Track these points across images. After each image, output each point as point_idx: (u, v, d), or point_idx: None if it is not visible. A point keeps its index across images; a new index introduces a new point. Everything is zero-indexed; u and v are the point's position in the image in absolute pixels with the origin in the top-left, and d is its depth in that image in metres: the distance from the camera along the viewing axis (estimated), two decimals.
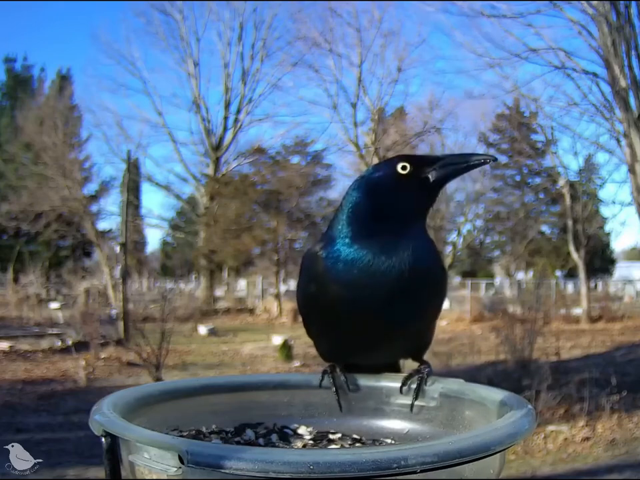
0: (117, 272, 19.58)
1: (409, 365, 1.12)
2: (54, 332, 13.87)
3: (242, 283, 29.57)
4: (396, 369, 1.19)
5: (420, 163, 1.00)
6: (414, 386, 1.04)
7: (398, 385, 1.05)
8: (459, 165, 1.01)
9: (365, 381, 1.08)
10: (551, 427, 6.60)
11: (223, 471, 0.64)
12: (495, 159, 0.99)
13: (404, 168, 0.99)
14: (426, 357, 1.13)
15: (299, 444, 0.96)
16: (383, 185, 1.00)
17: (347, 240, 0.99)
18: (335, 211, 1.08)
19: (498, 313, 16.13)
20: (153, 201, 78.20)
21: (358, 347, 1.06)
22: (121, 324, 13.89)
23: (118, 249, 20.56)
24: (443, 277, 1.07)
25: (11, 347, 12.08)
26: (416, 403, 1.02)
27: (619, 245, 61.52)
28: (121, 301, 15.01)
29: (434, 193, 1.03)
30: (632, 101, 11.09)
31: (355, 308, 0.98)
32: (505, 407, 0.86)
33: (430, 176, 1.00)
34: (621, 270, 35.85)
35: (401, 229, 0.98)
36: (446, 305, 23.02)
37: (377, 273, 0.96)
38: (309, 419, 1.05)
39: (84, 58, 52.60)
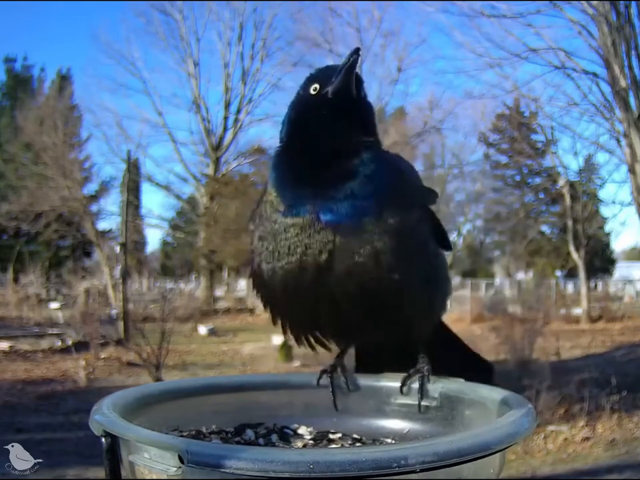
0: (117, 272, 19.57)
1: None
2: (54, 332, 13.86)
3: (242, 283, 29.53)
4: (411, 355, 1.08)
5: (326, 80, 0.98)
6: (415, 385, 1.03)
7: (398, 384, 1.05)
8: (342, 66, 0.97)
9: (365, 380, 1.08)
10: (550, 427, 6.60)
11: (222, 470, 0.64)
12: (358, 49, 0.96)
13: (315, 90, 0.98)
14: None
15: (299, 444, 0.96)
16: (300, 107, 1.01)
17: (281, 157, 1.02)
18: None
19: (498, 313, 16.13)
20: (153, 201, 78.17)
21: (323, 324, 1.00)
22: (121, 324, 13.88)
23: (118, 249, 20.55)
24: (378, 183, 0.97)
25: (11, 346, 12.08)
26: (416, 402, 1.02)
27: (619, 245, 61.55)
28: (121, 301, 15.00)
29: (341, 101, 0.98)
30: (632, 100, 11.08)
31: (294, 212, 0.95)
32: (505, 406, 0.86)
33: (330, 90, 0.98)
34: (621, 270, 35.83)
35: (336, 156, 0.96)
36: None
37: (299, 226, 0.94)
38: (309, 418, 1.05)
39: (84, 58, 52.64)
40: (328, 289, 0.93)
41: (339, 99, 0.98)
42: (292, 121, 1.02)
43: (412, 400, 1.03)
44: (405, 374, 1.05)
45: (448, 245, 1.08)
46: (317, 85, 0.99)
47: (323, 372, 1.08)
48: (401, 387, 1.05)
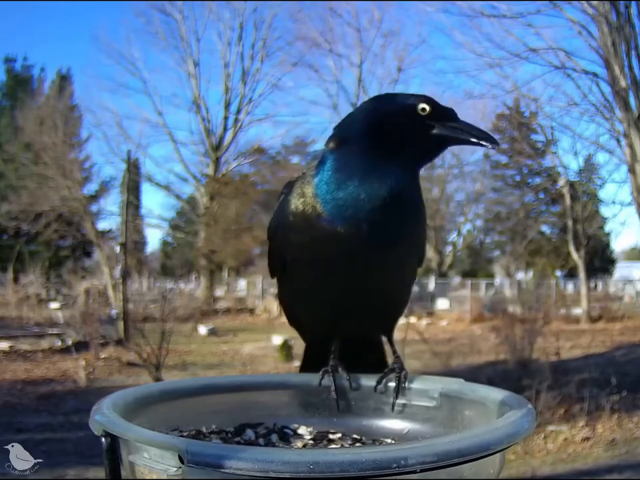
0: (117, 272, 19.57)
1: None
2: (54, 332, 13.87)
3: (242, 283, 29.56)
4: (379, 349, 1.20)
5: (439, 112, 0.99)
6: (391, 384, 1.04)
7: (393, 384, 1.05)
8: (467, 133, 0.98)
9: (366, 380, 1.08)
10: (550, 427, 6.60)
11: (223, 470, 0.64)
12: (497, 145, 0.97)
13: (423, 110, 0.98)
14: (426, 357, 1.13)
15: (299, 444, 0.96)
16: (394, 116, 0.99)
17: (343, 162, 0.98)
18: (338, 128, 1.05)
19: (498, 313, 16.13)
20: (153, 201, 78.17)
21: (337, 297, 1.03)
22: (120, 324, 13.89)
23: (118, 249, 20.55)
24: (421, 217, 1.06)
25: (11, 347, 12.08)
26: (416, 402, 1.02)
27: (619, 245, 61.59)
28: (121, 301, 15.01)
29: (438, 145, 1.01)
30: (632, 100, 11.09)
31: (339, 223, 0.96)
32: (504, 406, 0.86)
33: (441, 129, 0.98)
34: (621, 270, 35.84)
35: (399, 164, 0.98)
36: (446, 305, 23.07)
37: (372, 199, 0.96)
38: (309, 418, 1.05)
39: (84, 58, 52.63)
40: (345, 283, 1.01)
41: (438, 138, 0.99)
42: (376, 126, 0.99)
43: (412, 400, 1.03)
44: (381, 373, 1.07)
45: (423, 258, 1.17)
46: (427, 107, 0.98)
47: (325, 372, 1.08)
48: (376, 386, 1.06)
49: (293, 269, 1.08)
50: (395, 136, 0.98)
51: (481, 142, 0.97)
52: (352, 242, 0.96)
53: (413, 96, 1.01)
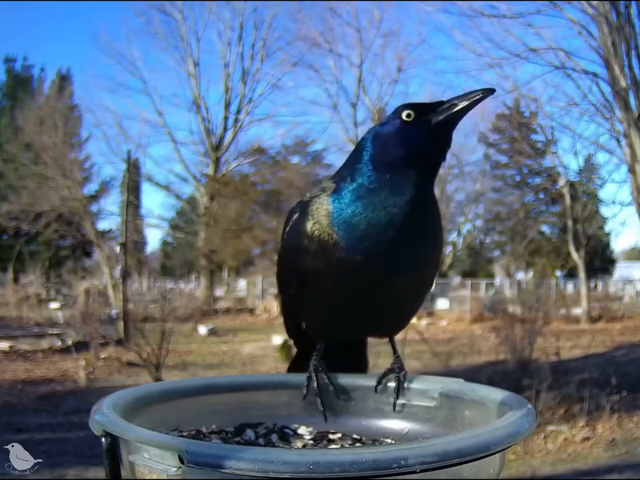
0: (117, 272, 19.58)
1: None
2: (54, 332, 13.87)
3: (242, 283, 29.57)
4: (363, 355, 1.22)
5: (423, 108, 0.98)
6: (391, 384, 1.04)
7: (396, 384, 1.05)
8: (460, 102, 0.96)
9: (366, 380, 1.08)
10: (550, 427, 6.60)
11: (223, 470, 0.64)
12: (494, 90, 0.95)
13: (408, 115, 0.98)
14: (426, 357, 1.14)
15: (299, 444, 0.96)
16: (389, 133, 0.99)
17: (357, 189, 0.97)
18: (345, 165, 1.04)
19: (498, 313, 16.14)
20: (153, 201, 78.19)
21: (352, 314, 1.03)
22: (120, 324, 13.89)
23: (118, 249, 20.56)
24: (440, 237, 1.05)
25: (11, 346, 12.08)
26: (416, 402, 1.02)
27: (619, 245, 61.59)
28: (121, 301, 15.01)
29: (441, 135, 0.98)
30: (632, 100, 11.08)
31: (357, 254, 0.95)
32: (504, 406, 0.86)
33: (433, 119, 0.97)
34: (621, 270, 35.85)
35: (410, 180, 0.96)
36: (446, 305, 23.07)
37: (384, 223, 0.94)
38: (309, 418, 1.05)
39: (84, 58, 52.64)
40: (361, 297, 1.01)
41: (440, 127, 0.97)
42: (379, 151, 0.99)
43: (412, 400, 1.03)
44: (381, 373, 1.07)
45: None
46: (410, 112, 0.98)
47: (309, 379, 1.06)
48: (376, 386, 1.05)
49: (305, 289, 1.05)
50: (398, 152, 0.97)
51: (476, 99, 0.95)
52: (370, 273, 0.95)
53: (395, 110, 1.01)
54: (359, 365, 1.21)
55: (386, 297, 1.00)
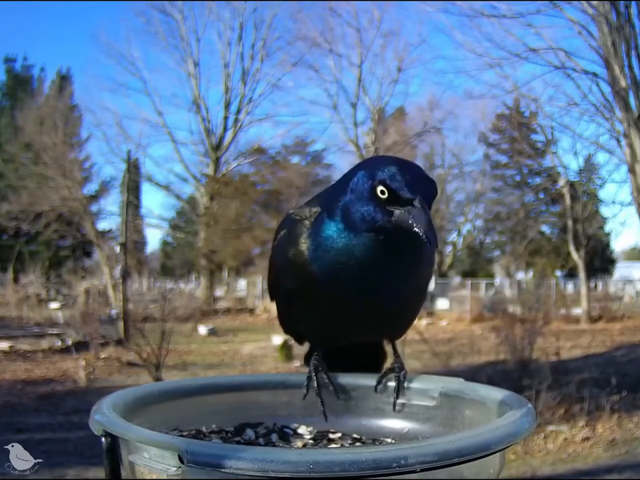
0: (117, 272, 19.58)
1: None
2: (54, 332, 13.87)
3: (242, 283, 29.57)
4: (380, 351, 1.21)
5: (396, 196, 0.91)
6: (391, 384, 1.05)
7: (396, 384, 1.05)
8: (411, 225, 0.90)
9: (366, 380, 1.08)
10: (550, 427, 6.60)
11: (223, 470, 0.64)
12: (436, 246, 0.91)
13: (382, 192, 0.92)
14: (426, 357, 1.14)
15: (299, 443, 0.96)
16: (361, 194, 0.95)
17: (332, 227, 0.98)
18: (330, 189, 1.06)
19: (498, 313, 16.14)
20: (153, 201, 78.06)
21: (337, 325, 1.06)
22: (120, 324, 13.89)
23: (118, 249, 20.56)
24: (422, 268, 1.06)
25: (11, 347, 12.08)
26: (416, 402, 1.02)
27: (619, 245, 61.56)
28: (121, 301, 15.01)
29: (395, 233, 0.94)
30: (632, 100, 11.09)
31: (327, 283, 0.99)
32: (504, 406, 0.86)
33: (396, 216, 0.92)
34: (621, 270, 35.84)
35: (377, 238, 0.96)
36: (446, 305, 23.07)
37: (363, 262, 0.96)
38: (309, 418, 1.05)
39: (84, 58, 52.55)
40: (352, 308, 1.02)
41: (396, 228, 0.92)
42: (352, 202, 0.96)
43: (412, 400, 1.03)
44: (381, 373, 1.07)
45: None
46: (384, 190, 0.92)
47: (309, 379, 1.07)
48: (376, 386, 1.06)
49: (292, 301, 1.09)
50: (364, 219, 0.95)
51: (422, 237, 0.89)
52: (342, 297, 1.00)
53: (373, 172, 0.94)
54: (376, 362, 1.20)
55: (369, 313, 1.02)
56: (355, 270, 0.97)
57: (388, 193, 0.91)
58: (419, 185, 0.91)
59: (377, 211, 0.93)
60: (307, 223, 1.03)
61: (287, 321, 1.18)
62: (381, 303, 1.01)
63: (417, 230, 0.88)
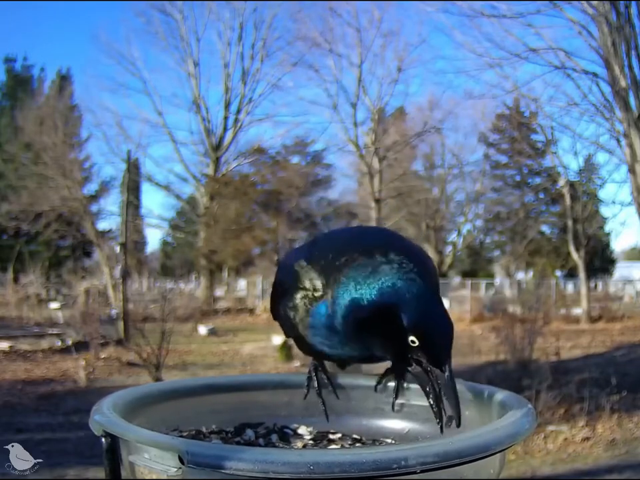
0: (117, 272, 19.59)
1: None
2: (54, 332, 13.88)
3: (242, 283, 29.57)
4: None
5: (428, 352, 0.82)
6: (391, 384, 1.05)
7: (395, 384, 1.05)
8: (427, 393, 0.83)
9: (366, 380, 1.08)
10: (550, 427, 6.60)
11: (223, 471, 0.64)
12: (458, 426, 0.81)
13: (413, 342, 0.82)
14: None
15: (299, 444, 0.96)
16: (390, 330, 0.83)
17: (331, 320, 0.91)
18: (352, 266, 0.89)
19: (498, 313, 16.14)
20: (153, 201, 78.02)
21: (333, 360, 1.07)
22: (120, 324, 13.89)
23: (118, 249, 20.57)
24: None
25: (11, 346, 12.09)
26: (416, 402, 1.02)
27: (619, 245, 61.56)
28: (121, 301, 15.01)
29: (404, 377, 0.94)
30: (632, 100, 11.09)
31: (321, 352, 1.00)
32: (504, 406, 0.86)
33: (415, 371, 0.85)
34: (621, 270, 35.84)
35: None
36: (446, 305, 22.99)
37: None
38: (309, 418, 1.05)
39: (84, 58, 52.48)
40: None
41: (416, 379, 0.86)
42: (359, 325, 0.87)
43: (411, 400, 1.03)
44: (381, 373, 1.07)
45: None
46: (416, 341, 0.81)
47: (309, 378, 1.07)
48: (376, 386, 1.06)
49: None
50: (377, 347, 0.89)
51: (436, 417, 0.82)
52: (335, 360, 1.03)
53: (412, 320, 0.81)
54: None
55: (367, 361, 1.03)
56: (348, 355, 0.98)
57: (419, 343, 0.81)
58: (450, 343, 0.82)
59: (398, 355, 0.84)
60: (306, 302, 0.95)
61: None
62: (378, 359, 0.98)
63: (431, 402, 0.81)
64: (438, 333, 0.82)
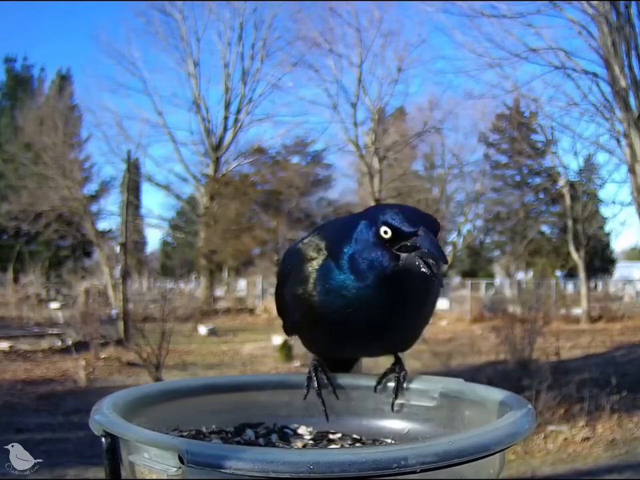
0: (117, 272, 19.59)
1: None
2: (54, 332, 13.88)
3: (242, 283, 29.56)
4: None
5: (399, 235, 0.92)
6: (390, 384, 1.05)
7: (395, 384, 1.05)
8: (418, 266, 0.90)
9: (366, 380, 1.08)
10: (550, 427, 6.60)
11: (223, 470, 0.64)
12: (446, 262, 0.91)
13: (385, 232, 0.93)
14: (426, 357, 1.13)
15: (299, 444, 0.96)
16: (365, 242, 0.96)
17: (346, 273, 0.98)
18: (333, 230, 1.06)
19: (498, 313, 16.14)
20: (153, 201, 78.01)
21: (346, 349, 1.09)
22: (120, 324, 13.89)
23: (118, 249, 20.57)
24: (423, 306, 1.06)
25: (11, 346, 12.09)
26: (416, 402, 1.02)
27: (619, 245, 61.55)
28: (121, 301, 15.01)
29: (402, 277, 0.93)
30: (632, 100, 11.09)
31: (329, 316, 1.01)
32: (504, 406, 0.86)
33: (402, 259, 0.92)
34: (621, 270, 35.83)
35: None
36: (446, 305, 23.07)
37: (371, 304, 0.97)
38: (309, 418, 1.05)
39: (84, 58, 52.47)
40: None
41: (403, 270, 0.92)
42: (358, 251, 0.97)
43: (411, 400, 1.03)
44: (381, 373, 1.08)
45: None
46: (387, 230, 0.93)
47: (309, 379, 1.08)
48: (376, 386, 1.06)
49: (297, 323, 1.11)
50: (369, 267, 0.95)
51: (431, 269, 0.89)
52: (355, 338, 1.03)
53: (376, 216, 0.95)
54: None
55: (375, 345, 1.06)
56: (365, 314, 0.98)
57: (391, 232, 0.92)
58: (420, 220, 0.92)
59: (384, 256, 0.93)
60: (314, 264, 1.04)
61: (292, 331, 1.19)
62: (388, 339, 1.04)
63: (425, 271, 0.88)
64: (394, 212, 0.94)
